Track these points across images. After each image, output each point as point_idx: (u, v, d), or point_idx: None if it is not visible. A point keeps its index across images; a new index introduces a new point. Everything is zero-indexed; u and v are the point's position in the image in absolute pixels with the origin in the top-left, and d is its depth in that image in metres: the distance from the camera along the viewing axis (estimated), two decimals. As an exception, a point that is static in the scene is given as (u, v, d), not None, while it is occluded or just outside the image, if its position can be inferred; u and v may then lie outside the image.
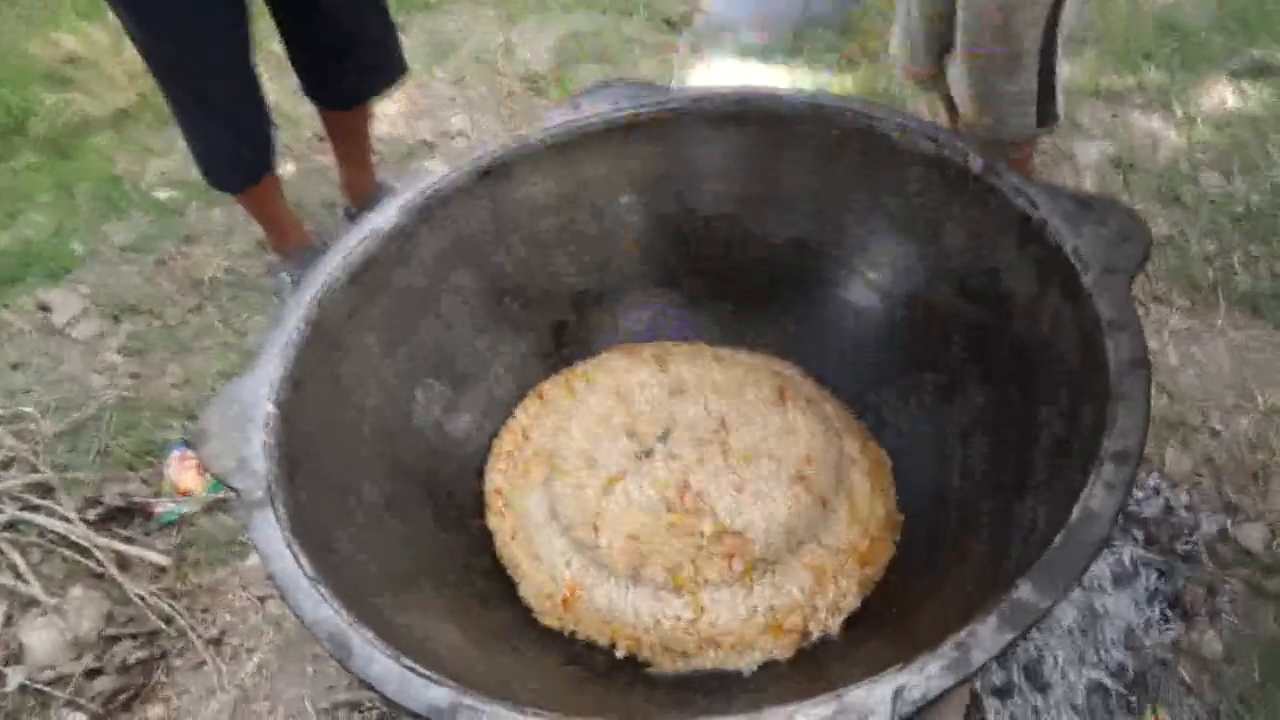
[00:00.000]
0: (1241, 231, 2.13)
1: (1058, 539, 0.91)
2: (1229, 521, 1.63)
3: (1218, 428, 1.78)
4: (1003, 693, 1.45)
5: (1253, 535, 1.60)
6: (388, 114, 2.78)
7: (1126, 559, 1.60)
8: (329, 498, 1.15)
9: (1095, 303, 1.08)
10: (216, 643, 1.73)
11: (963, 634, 0.86)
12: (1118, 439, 0.96)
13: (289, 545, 1.01)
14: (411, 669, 0.91)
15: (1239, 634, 1.50)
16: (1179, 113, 2.48)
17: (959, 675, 0.85)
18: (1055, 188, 1.20)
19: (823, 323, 1.45)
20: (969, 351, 1.30)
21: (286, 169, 2.61)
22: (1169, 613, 1.53)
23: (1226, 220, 2.15)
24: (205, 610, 1.78)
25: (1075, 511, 0.92)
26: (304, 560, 1.00)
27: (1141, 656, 1.49)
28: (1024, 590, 0.88)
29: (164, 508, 1.90)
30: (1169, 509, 1.65)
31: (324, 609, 0.96)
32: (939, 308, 1.33)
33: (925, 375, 1.35)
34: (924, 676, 0.84)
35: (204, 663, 1.70)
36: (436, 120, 2.79)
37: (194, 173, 2.08)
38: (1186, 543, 1.61)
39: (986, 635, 0.86)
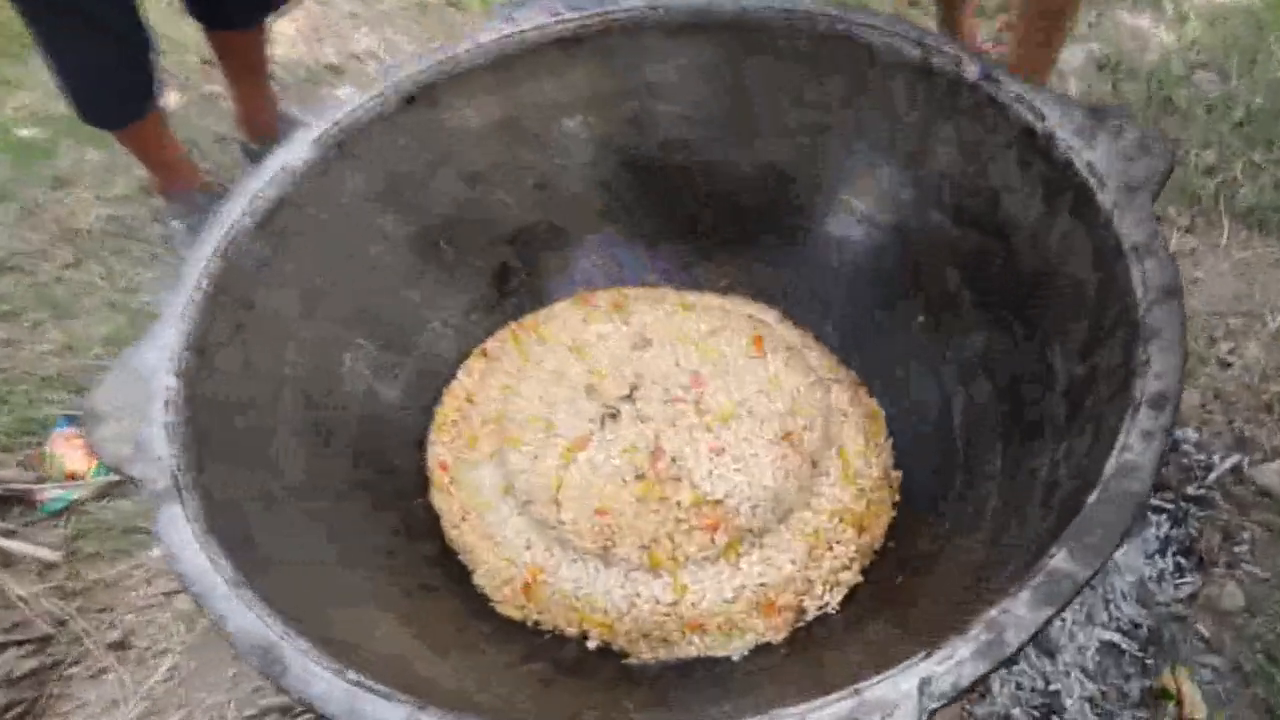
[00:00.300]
0: (1242, 138, 2.09)
1: (1092, 497, 0.86)
2: (1244, 459, 1.61)
3: (1226, 357, 1.76)
4: (1006, 659, 1.43)
5: (1270, 473, 1.59)
6: (285, 34, 2.64)
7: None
8: (246, 483, 1.07)
9: (1115, 225, 1.03)
10: (119, 647, 1.64)
11: (994, 612, 0.82)
12: (1153, 380, 0.92)
13: (203, 543, 0.93)
14: (359, 684, 0.84)
15: (1261, 583, 1.49)
16: (1170, 9, 2.43)
17: (992, 661, 0.80)
18: (1063, 96, 1.14)
19: (801, 260, 1.40)
20: (967, 285, 1.25)
21: (171, 100, 2.45)
22: (1183, 563, 1.52)
23: (1225, 127, 2.11)
24: (104, 610, 1.68)
25: (1110, 465, 0.88)
26: (222, 560, 0.92)
27: (1156, 612, 1.47)
28: (1060, 559, 0.83)
29: (49, 495, 1.79)
30: (1177, 448, 1.63)
31: (248, 617, 0.88)
32: (932, 237, 1.28)
33: (918, 314, 1.30)
34: (953, 664, 0.80)
35: (105, 670, 1.61)
36: (341, 40, 2.66)
37: (63, 107, 1.93)
38: (1199, 485, 1.59)
39: (1021, 613, 0.81)
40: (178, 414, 1.02)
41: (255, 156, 2.25)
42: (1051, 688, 1.40)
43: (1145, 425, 0.89)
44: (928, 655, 0.80)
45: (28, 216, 2.29)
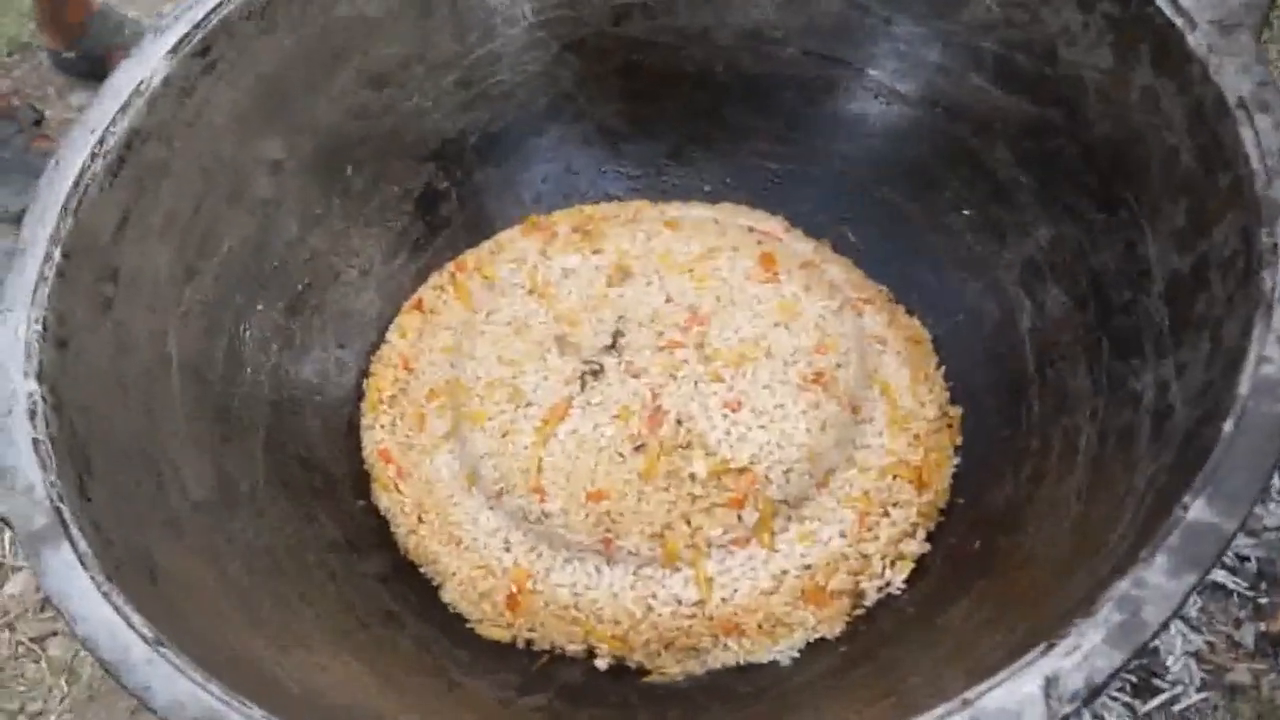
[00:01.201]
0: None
1: (1228, 425, 0.85)
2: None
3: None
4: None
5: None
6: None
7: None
8: (142, 507, 1.03)
9: (1212, 74, 1.00)
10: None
11: (1125, 584, 0.80)
12: (1287, 272, 0.90)
13: (105, 592, 0.89)
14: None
15: (1392, 496, 1.51)
16: None
17: (1131, 647, 0.79)
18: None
19: (806, 152, 1.37)
20: (1023, 166, 1.22)
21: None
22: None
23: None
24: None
25: (1243, 383, 0.87)
26: (132, 613, 0.88)
27: (1264, 540, 1.49)
28: (1198, 509, 0.82)
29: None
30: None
31: (180, 685, 0.84)
32: (973, 109, 1.25)
33: (962, 207, 1.28)
34: (1082, 656, 0.78)
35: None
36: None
37: None
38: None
39: (1159, 581, 0.80)
40: (46, 427, 0.97)
41: (70, 67, 2.17)
42: (1149, 645, 1.41)
43: (1284, 328, 0.88)
44: (1050, 648, 0.79)
45: None
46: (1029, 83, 1.20)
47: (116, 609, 0.88)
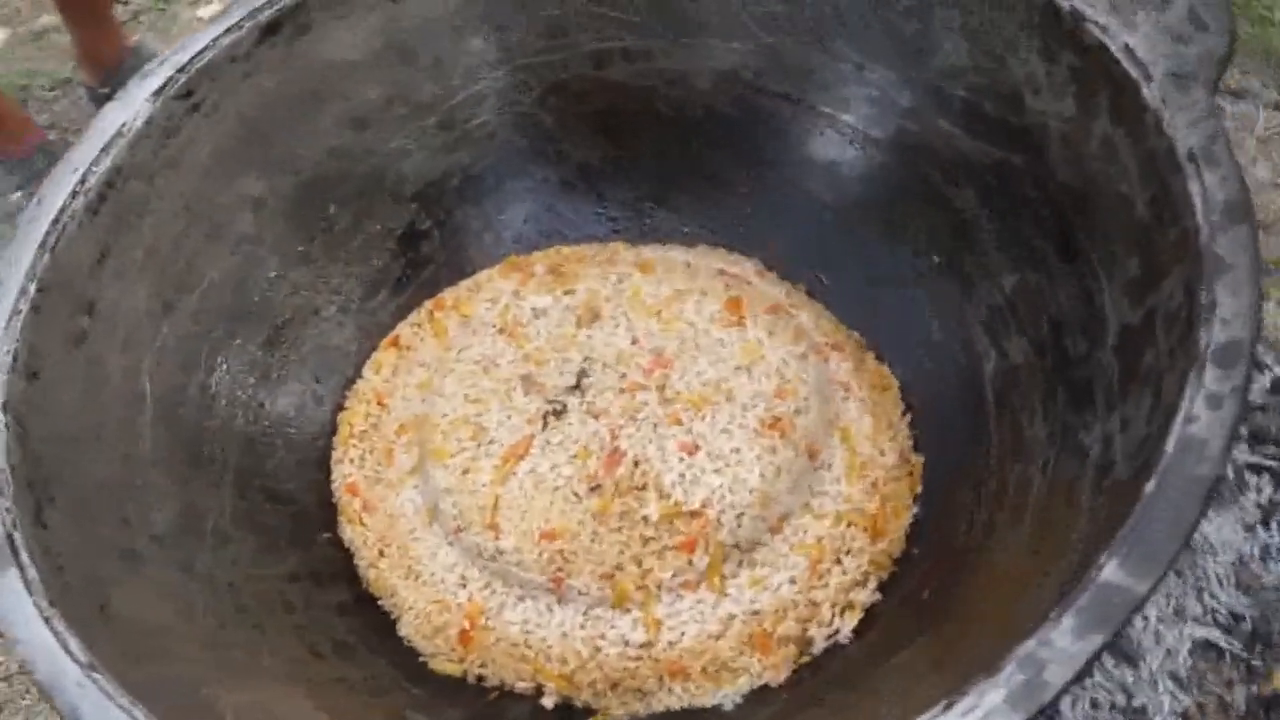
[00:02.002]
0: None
1: (1149, 487, 0.84)
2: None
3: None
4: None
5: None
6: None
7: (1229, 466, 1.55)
8: (101, 537, 1.05)
9: (1164, 125, 0.99)
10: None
11: (1031, 644, 0.79)
12: (1220, 328, 0.88)
13: (47, 618, 0.91)
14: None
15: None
16: None
17: (1029, 709, 0.78)
18: (1095, -36, 1.10)
19: (781, 196, 1.37)
20: (989, 212, 1.21)
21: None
22: (1292, 533, 1.50)
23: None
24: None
25: (1170, 443, 0.85)
26: (70, 640, 0.90)
27: (1261, 599, 1.45)
28: (1110, 570, 0.81)
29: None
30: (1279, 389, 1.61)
31: (109, 711, 0.86)
32: (941, 154, 1.24)
33: (931, 253, 1.27)
34: (981, 715, 0.78)
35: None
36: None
37: None
38: (1309, 435, 1.57)
39: (1064, 644, 0.79)
40: (9, 457, 1.00)
41: (105, 102, 2.22)
42: (1135, 703, 1.38)
43: (1212, 387, 0.86)
44: (948, 706, 0.78)
45: None
46: (995, 129, 1.19)
47: (56, 634, 0.90)
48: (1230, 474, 1.57)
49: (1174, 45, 1.03)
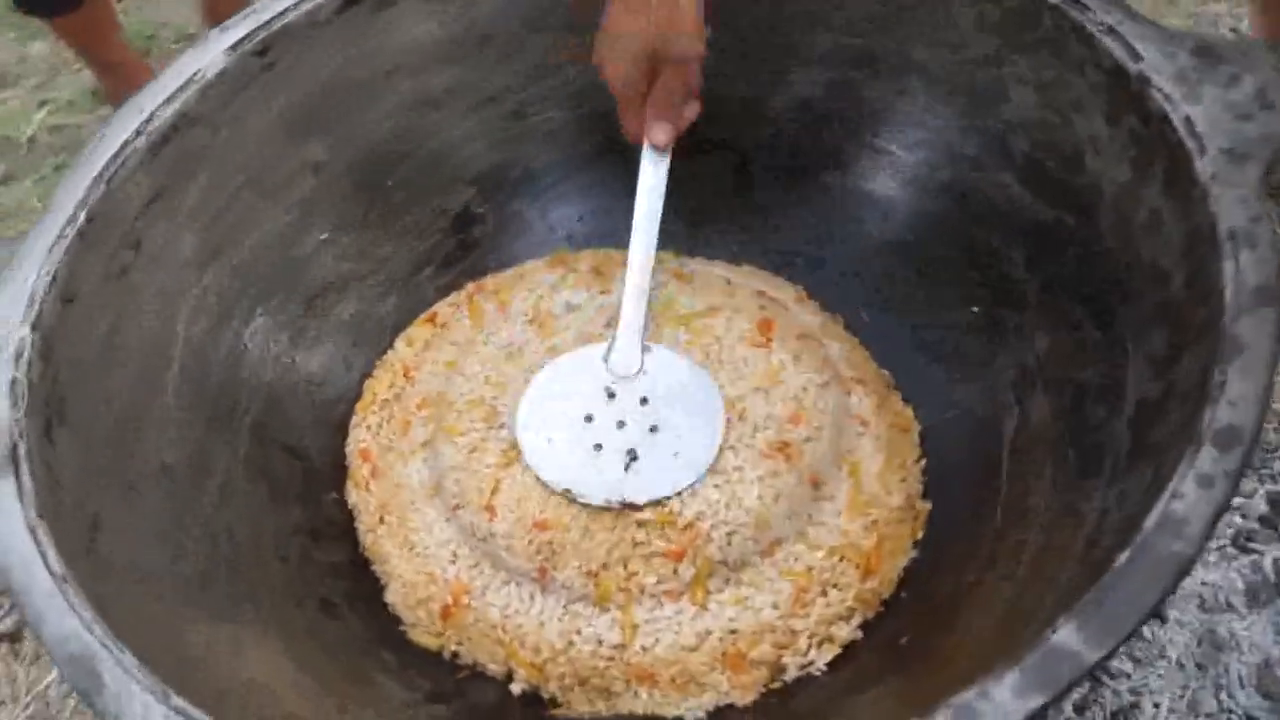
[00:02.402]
0: None
1: (1120, 559, 0.82)
2: None
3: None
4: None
5: None
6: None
7: (1268, 567, 1.50)
8: (108, 463, 1.08)
9: (1210, 201, 0.97)
10: (12, 639, 1.68)
11: (970, 695, 0.78)
12: (1225, 410, 0.86)
13: (32, 527, 0.94)
14: (182, 713, 0.84)
15: None
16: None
17: (956, 760, 0.77)
18: (1170, 31, 1.08)
19: (832, 227, 1.37)
20: (1035, 270, 1.20)
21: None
22: (1327, 644, 1.45)
23: None
24: (3, 594, 1.72)
25: (1151, 517, 0.83)
26: (50, 550, 0.93)
27: (1280, 707, 1.41)
28: (1064, 634, 0.79)
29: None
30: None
31: (69, 622, 0.89)
32: (997, 205, 1.23)
33: (972, 303, 1.25)
34: (905, 759, 0.76)
35: (-7, 665, 1.66)
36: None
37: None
38: (1351, 537, 1.52)
39: (1003, 698, 0.77)
40: (29, 370, 1.03)
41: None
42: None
43: (1205, 468, 0.84)
44: (871, 747, 0.77)
45: (-42, 120, 2.36)
46: (1053, 186, 1.17)
47: (37, 543, 0.93)
48: (1272, 576, 1.53)
49: (1235, 122, 1.01)
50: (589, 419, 1.20)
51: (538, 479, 1.16)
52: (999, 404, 1.20)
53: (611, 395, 1.21)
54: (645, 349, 1.21)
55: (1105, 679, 1.42)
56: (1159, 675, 1.43)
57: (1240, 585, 1.52)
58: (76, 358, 1.08)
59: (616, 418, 1.20)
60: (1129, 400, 1.03)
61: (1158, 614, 1.44)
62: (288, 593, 1.15)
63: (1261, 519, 1.61)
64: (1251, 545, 1.56)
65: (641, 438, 1.18)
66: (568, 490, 1.14)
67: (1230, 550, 1.55)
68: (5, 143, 2.25)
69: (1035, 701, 0.77)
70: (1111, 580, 0.81)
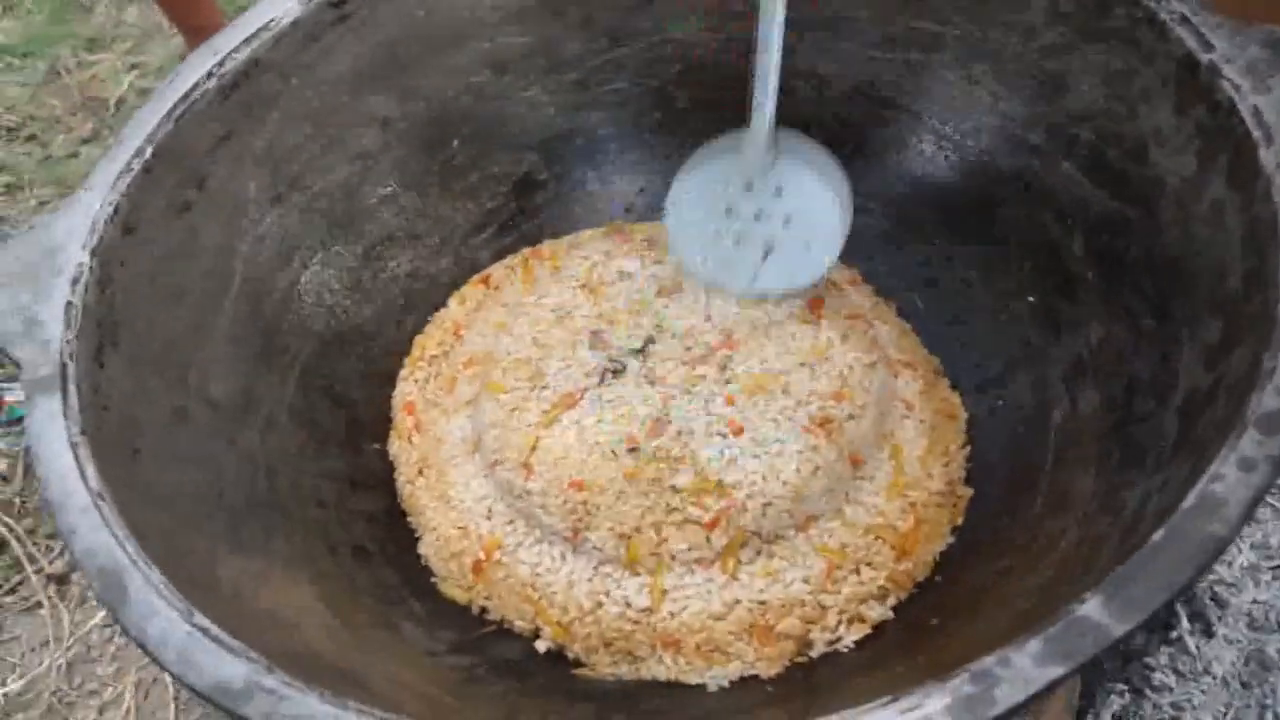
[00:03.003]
0: None
1: (1156, 536, 0.80)
2: None
3: None
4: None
5: None
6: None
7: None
8: (155, 390, 1.09)
9: (1274, 191, 0.95)
10: (60, 581, 1.71)
11: (990, 659, 0.77)
12: (1271, 396, 0.84)
13: (74, 444, 0.95)
14: (204, 631, 0.84)
15: None
16: None
17: (971, 720, 0.75)
18: (1241, 23, 1.06)
19: (898, 215, 1.36)
20: (1094, 260, 1.18)
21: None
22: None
23: None
24: (52, 538, 1.76)
25: (1190, 496, 0.81)
26: (89, 467, 0.94)
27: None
28: (1091, 606, 0.77)
29: (17, 396, 1.87)
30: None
31: (101, 536, 0.90)
32: (1060, 195, 1.21)
33: (1029, 293, 1.24)
34: (918, 717, 0.75)
35: (40, 605, 1.68)
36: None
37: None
38: None
39: (1023, 664, 0.76)
40: (85, 295, 1.05)
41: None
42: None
43: (1248, 451, 0.82)
44: (890, 702, 0.76)
45: (54, 79, 2.41)
46: (1117, 177, 1.15)
47: (77, 458, 0.94)
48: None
49: (1305, 115, 0.98)
50: (729, 212, 1.23)
51: (576, 439, 1.15)
52: (1049, 394, 1.18)
53: (749, 187, 1.23)
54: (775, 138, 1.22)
55: (1148, 691, 1.39)
56: (1202, 691, 1.39)
57: (1292, 600, 1.48)
58: (133, 287, 1.10)
59: (754, 209, 1.22)
60: (1180, 391, 1.01)
61: (1202, 620, 1.41)
62: (322, 536, 1.16)
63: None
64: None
65: (775, 231, 1.22)
66: (710, 283, 1.23)
67: (1290, 572, 1.51)
68: (96, 102, 2.30)
69: (1056, 671, 0.75)
70: (1143, 557, 0.79)
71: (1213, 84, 1.03)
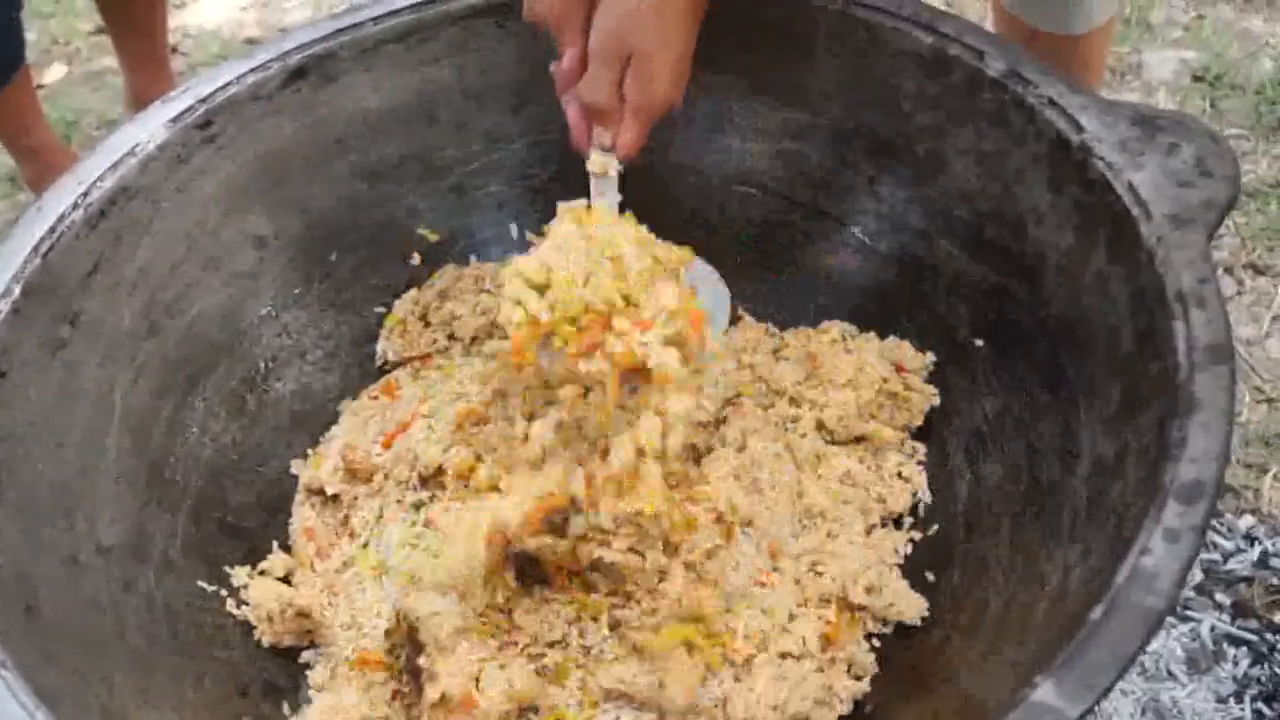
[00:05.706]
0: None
1: (1095, 613, 0.82)
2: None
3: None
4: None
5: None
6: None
7: (1206, 634, 1.53)
8: (42, 538, 1.04)
9: (1158, 265, 0.99)
10: None
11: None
12: (1187, 466, 0.87)
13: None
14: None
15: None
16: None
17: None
18: (1109, 101, 1.12)
19: (789, 299, 1.38)
20: (982, 335, 1.22)
21: (51, 73, 2.47)
22: (1266, 712, 1.46)
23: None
24: None
25: (1121, 572, 0.84)
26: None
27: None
28: (1044, 691, 0.79)
29: None
30: (1267, 563, 1.58)
31: (9, 705, 0.84)
32: (941, 272, 1.25)
33: (921, 369, 1.27)
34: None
35: None
36: (270, 10, 2.67)
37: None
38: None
39: (988, 759, 0.77)
40: (-41, 445, 1.00)
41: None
42: None
43: (1171, 522, 0.85)
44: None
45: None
46: (997, 253, 1.20)
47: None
48: (1210, 644, 1.54)
49: (1177, 189, 1.03)
50: None
51: None
52: (949, 468, 1.21)
53: None
54: None
55: (1055, 748, 1.42)
56: (1104, 744, 1.43)
57: (1180, 653, 1.54)
58: (11, 432, 1.05)
59: None
60: (1084, 459, 1.04)
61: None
62: (231, 676, 1.11)
63: (1197, 587, 1.63)
64: (1189, 613, 1.58)
65: None
66: None
67: (1169, 619, 1.56)
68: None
69: (1020, 761, 0.76)
70: (1087, 636, 0.81)
71: (1086, 163, 1.08)
